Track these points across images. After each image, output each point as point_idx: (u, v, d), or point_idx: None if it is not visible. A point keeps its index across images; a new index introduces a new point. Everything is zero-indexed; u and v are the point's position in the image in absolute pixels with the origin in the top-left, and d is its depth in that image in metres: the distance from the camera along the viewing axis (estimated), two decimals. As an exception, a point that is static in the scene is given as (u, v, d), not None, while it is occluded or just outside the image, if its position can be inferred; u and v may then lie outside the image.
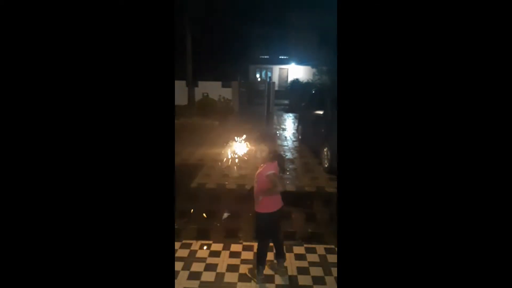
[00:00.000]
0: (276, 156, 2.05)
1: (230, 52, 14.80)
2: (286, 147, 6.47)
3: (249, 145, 2.12)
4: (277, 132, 8.13)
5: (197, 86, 11.79)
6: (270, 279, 2.21)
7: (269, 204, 2.05)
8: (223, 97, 11.18)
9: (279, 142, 6.85)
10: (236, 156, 2.12)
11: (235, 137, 2.14)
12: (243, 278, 2.22)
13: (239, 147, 2.12)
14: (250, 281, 2.18)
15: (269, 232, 2.15)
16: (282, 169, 2.04)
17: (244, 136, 2.14)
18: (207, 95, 11.27)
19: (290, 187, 4.08)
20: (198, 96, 11.31)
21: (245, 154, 2.12)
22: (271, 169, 1.98)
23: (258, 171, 2.06)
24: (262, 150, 2.00)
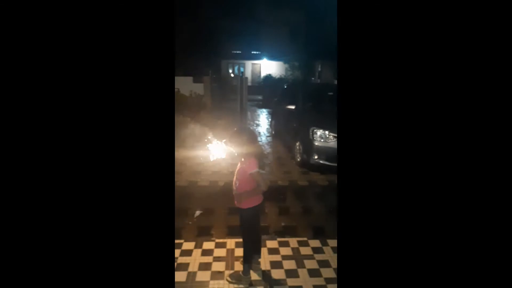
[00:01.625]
0: (256, 152, 1.99)
1: (201, 47, 14.48)
2: (260, 142, 6.47)
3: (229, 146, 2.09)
4: (251, 127, 8.11)
5: (167, 81, 11.43)
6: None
7: (252, 199, 2.01)
8: (195, 93, 10.95)
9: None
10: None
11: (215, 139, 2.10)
12: (215, 276, 2.18)
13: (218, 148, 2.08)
14: (222, 279, 2.15)
15: (253, 227, 2.12)
16: (261, 166, 1.99)
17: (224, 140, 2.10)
18: (178, 91, 10.95)
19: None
20: (168, 92, 10.96)
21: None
22: (253, 165, 1.92)
23: (238, 166, 2.01)
24: (241, 146, 1.93)
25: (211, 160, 2.10)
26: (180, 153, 4.94)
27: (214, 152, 2.10)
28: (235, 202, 2.05)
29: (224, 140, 2.10)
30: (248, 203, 2.01)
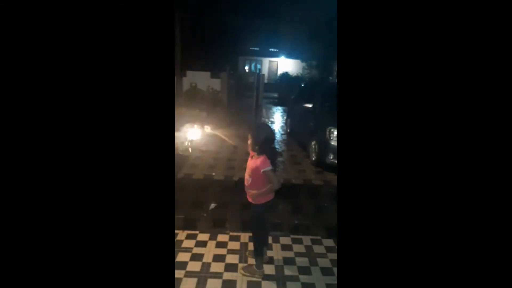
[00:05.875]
0: (268, 150, 2.00)
1: (219, 43, 14.55)
2: (274, 139, 6.47)
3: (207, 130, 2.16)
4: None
5: (185, 76, 11.57)
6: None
7: (265, 196, 2.03)
8: (212, 88, 11.03)
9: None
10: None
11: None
12: (229, 268, 2.22)
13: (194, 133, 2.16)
14: (236, 271, 2.18)
15: (263, 222, 2.15)
16: (273, 164, 2.00)
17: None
18: (195, 85, 11.07)
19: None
20: (186, 86, 11.10)
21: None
22: (266, 163, 1.93)
23: (249, 161, 2.03)
24: (260, 141, 1.96)
25: (189, 139, 2.23)
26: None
27: (191, 135, 2.20)
28: (248, 197, 2.07)
29: (206, 126, 2.23)
30: (261, 199, 2.03)
